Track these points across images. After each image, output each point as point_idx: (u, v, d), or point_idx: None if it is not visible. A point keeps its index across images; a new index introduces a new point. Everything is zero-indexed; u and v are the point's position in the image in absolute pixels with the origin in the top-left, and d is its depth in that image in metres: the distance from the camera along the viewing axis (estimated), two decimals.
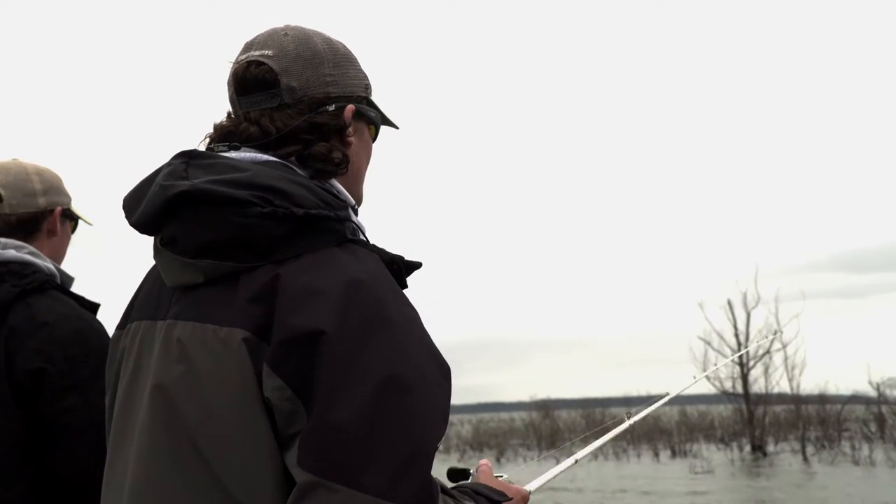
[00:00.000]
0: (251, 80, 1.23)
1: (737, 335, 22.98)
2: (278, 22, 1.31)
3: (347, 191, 1.26)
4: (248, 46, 1.27)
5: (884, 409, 22.25)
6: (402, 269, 1.18)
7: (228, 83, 1.27)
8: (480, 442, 26.94)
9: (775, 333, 22.42)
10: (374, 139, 1.35)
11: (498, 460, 22.53)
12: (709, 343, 23.19)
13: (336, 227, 1.14)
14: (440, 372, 1.10)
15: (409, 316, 1.11)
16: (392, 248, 1.20)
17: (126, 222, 1.20)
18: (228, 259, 1.10)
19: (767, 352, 22.58)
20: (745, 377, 22.70)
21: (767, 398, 22.74)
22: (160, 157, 1.21)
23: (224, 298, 1.09)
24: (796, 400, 22.66)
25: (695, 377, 2.37)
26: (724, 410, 27.90)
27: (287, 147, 1.20)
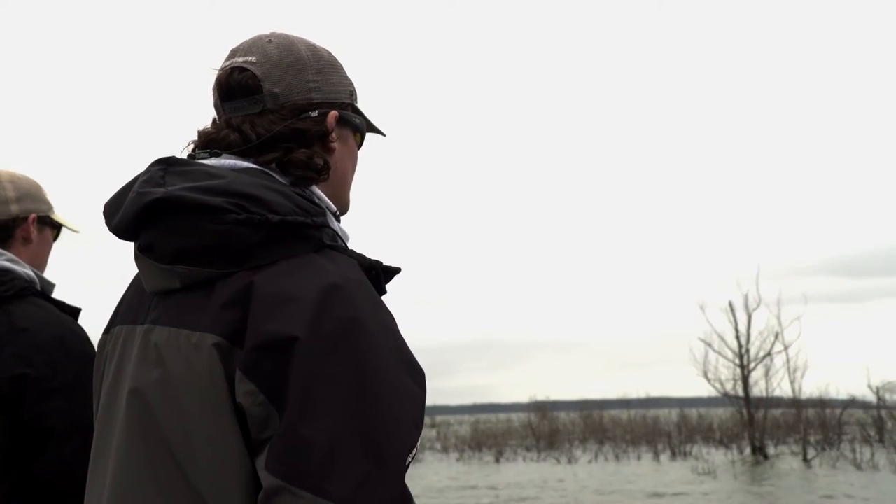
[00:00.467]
0: (234, 86, 1.24)
1: (738, 337, 22.96)
2: (270, 28, 1.31)
3: (332, 197, 1.27)
4: (233, 53, 1.28)
5: (883, 413, 22.22)
6: (380, 274, 1.18)
7: (213, 89, 1.28)
8: (479, 442, 26.88)
9: (776, 336, 22.40)
10: (359, 146, 1.35)
11: (497, 460, 22.46)
12: (709, 345, 23.18)
13: (313, 234, 1.14)
14: (414, 380, 1.10)
15: (385, 323, 1.10)
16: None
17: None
18: (204, 265, 1.10)
19: (768, 354, 22.57)
20: (745, 379, 22.67)
21: (768, 401, 22.69)
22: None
23: (199, 304, 1.10)
24: (797, 403, 22.64)
25: None
26: (722, 413, 27.87)
27: (268, 153, 1.21)
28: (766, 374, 22.64)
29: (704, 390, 23.76)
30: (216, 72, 1.28)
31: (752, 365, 22.74)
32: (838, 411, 22.64)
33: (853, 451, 19.04)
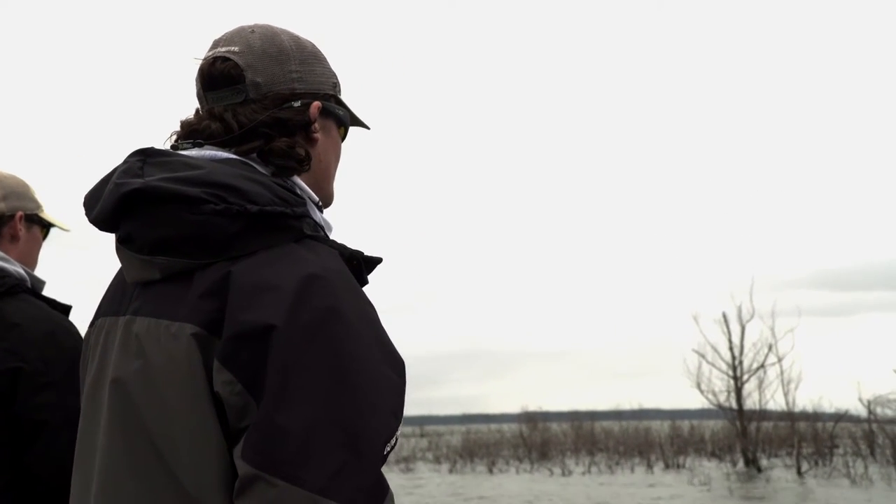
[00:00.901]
0: (217, 76, 1.24)
1: (731, 348, 22.97)
2: (266, 21, 1.31)
3: (315, 188, 1.27)
4: (216, 43, 1.28)
5: (874, 427, 22.26)
6: (361, 264, 1.18)
7: (196, 79, 1.28)
8: (471, 452, 26.76)
9: (770, 348, 22.42)
10: (343, 138, 1.35)
11: (490, 471, 22.36)
12: (703, 356, 23.18)
13: (293, 224, 1.13)
14: (394, 369, 1.10)
15: (364, 312, 1.10)
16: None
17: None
18: (183, 256, 1.10)
19: (762, 366, 22.58)
20: (738, 391, 22.67)
21: (761, 413, 22.70)
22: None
23: (178, 295, 1.10)
24: (791, 416, 22.65)
25: None
26: (713, 425, 27.87)
27: (249, 143, 1.21)
28: (760, 386, 22.68)
29: (696, 402, 23.76)
30: (198, 62, 1.28)
31: (745, 377, 22.76)
32: (830, 424, 22.66)
33: (846, 464, 19.06)
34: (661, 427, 29.30)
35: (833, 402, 25.56)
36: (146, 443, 1.08)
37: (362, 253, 1.19)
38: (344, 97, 1.35)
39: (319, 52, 1.32)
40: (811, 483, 17.16)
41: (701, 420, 30.37)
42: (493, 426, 43.05)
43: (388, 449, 1.07)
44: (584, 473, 20.74)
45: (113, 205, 1.14)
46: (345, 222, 1.34)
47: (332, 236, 1.24)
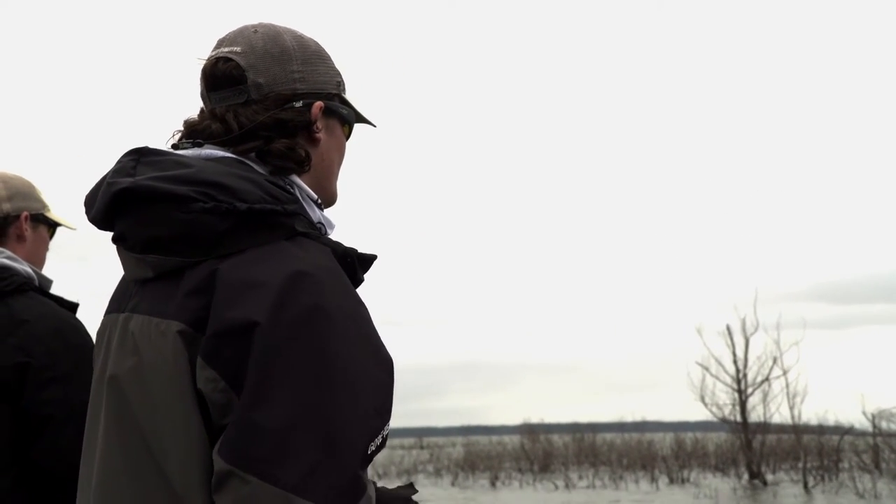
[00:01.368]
0: (219, 76, 1.24)
1: (735, 361, 22.81)
2: (270, 20, 1.30)
3: (317, 188, 1.26)
4: (219, 43, 1.29)
5: (879, 441, 22.07)
6: (355, 262, 1.17)
7: (200, 79, 1.28)
8: (473, 465, 26.52)
9: (775, 360, 22.25)
10: (347, 137, 1.35)
11: (493, 484, 22.13)
12: (707, 369, 23.02)
13: (284, 222, 1.13)
14: (382, 368, 1.09)
15: (352, 310, 1.09)
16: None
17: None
18: (173, 254, 1.11)
19: (766, 379, 22.42)
20: (743, 404, 22.50)
21: (766, 427, 22.52)
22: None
23: (169, 292, 1.11)
24: (796, 429, 22.46)
25: None
26: (716, 438, 27.65)
27: (247, 143, 1.20)
28: (765, 399, 22.50)
29: (699, 414, 23.57)
30: (202, 62, 1.28)
31: (749, 390, 22.58)
32: (835, 438, 22.46)
33: (853, 479, 18.86)
34: (663, 439, 29.07)
35: (836, 416, 25.34)
36: (139, 440, 1.09)
37: (356, 250, 1.18)
38: (349, 96, 1.34)
39: (324, 50, 1.31)
40: (819, 498, 16.97)
41: (704, 433, 30.12)
42: (494, 438, 42.76)
43: (373, 448, 1.06)
44: (588, 487, 20.52)
45: (105, 204, 1.15)
46: (346, 231, 1.33)
47: (334, 236, 1.23)
